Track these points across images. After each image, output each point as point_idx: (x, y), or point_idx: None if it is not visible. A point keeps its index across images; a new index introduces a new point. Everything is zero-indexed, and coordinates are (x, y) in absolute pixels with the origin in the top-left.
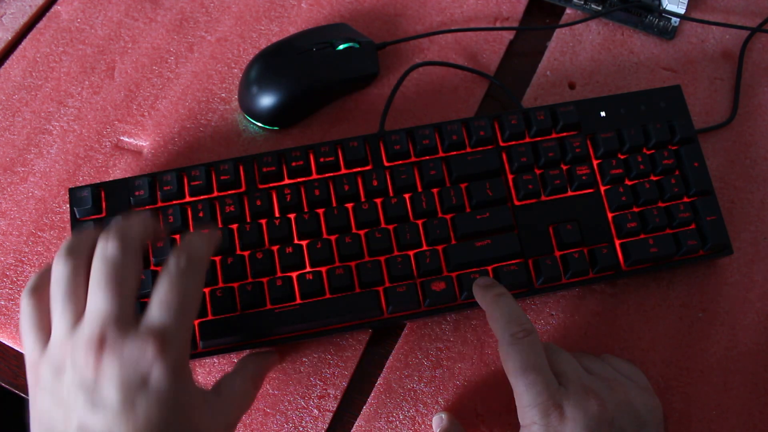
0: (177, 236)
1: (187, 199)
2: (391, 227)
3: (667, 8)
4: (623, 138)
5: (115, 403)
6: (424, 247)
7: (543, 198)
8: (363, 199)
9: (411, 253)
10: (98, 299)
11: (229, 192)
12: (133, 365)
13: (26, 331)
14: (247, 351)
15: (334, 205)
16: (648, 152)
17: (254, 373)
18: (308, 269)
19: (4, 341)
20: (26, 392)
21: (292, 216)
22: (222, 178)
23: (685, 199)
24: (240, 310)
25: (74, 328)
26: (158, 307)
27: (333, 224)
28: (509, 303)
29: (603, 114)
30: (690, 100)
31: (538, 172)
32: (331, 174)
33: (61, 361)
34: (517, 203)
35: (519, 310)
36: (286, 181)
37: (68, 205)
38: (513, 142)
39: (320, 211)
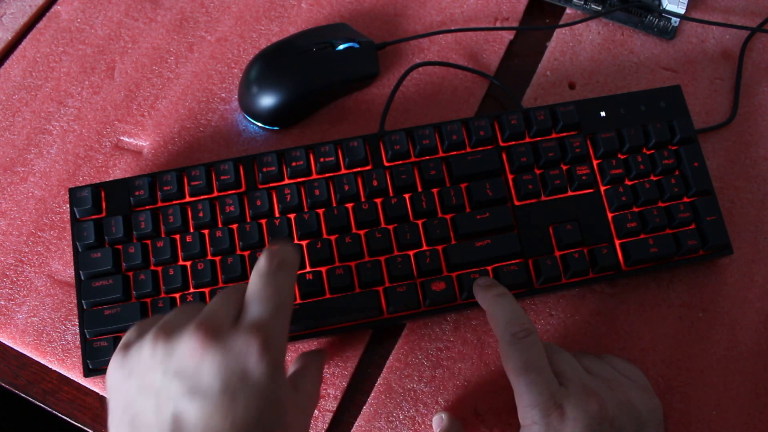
0: (177, 236)
1: (187, 199)
2: (391, 227)
3: (667, 8)
4: (623, 138)
5: (216, 392)
6: (424, 247)
7: (543, 198)
8: (363, 199)
9: (411, 253)
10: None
11: (229, 192)
12: (237, 358)
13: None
14: None
15: (334, 205)
16: (648, 152)
17: (318, 372)
18: (308, 269)
19: (4, 341)
20: (26, 392)
21: (292, 216)
22: (222, 178)
23: (685, 199)
24: None
25: (178, 320)
26: (258, 304)
27: (333, 224)
28: (510, 303)
29: (603, 114)
30: (690, 100)
31: (538, 172)
32: (331, 174)
33: (152, 358)
34: (517, 203)
35: (519, 309)
36: (286, 181)
37: (68, 205)
38: (513, 142)
39: (320, 211)
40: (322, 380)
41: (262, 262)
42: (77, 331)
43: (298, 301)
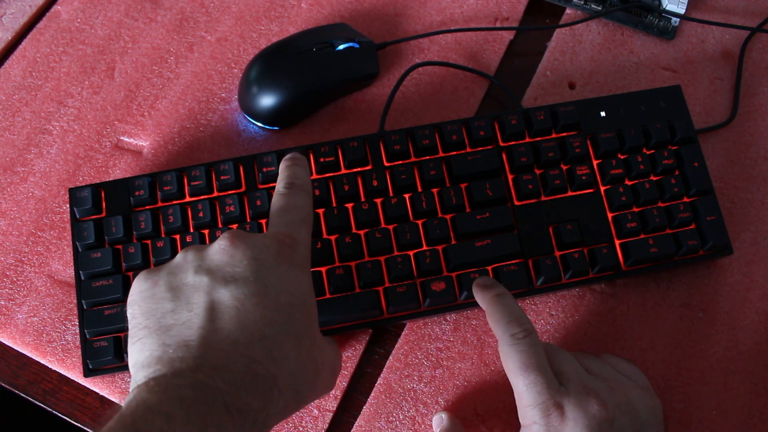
0: (177, 236)
1: (187, 199)
2: (391, 227)
3: (667, 8)
4: (623, 138)
5: (249, 276)
6: (424, 247)
7: (543, 198)
8: (363, 199)
9: (411, 253)
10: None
11: (229, 192)
12: (267, 249)
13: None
14: None
15: (334, 205)
16: (648, 152)
17: (338, 347)
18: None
19: (4, 341)
20: (26, 392)
21: None
22: (222, 178)
23: (685, 199)
24: None
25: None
26: (280, 216)
27: (333, 224)
28: (509, 303)
29: (603, 114)
30: (690, 100)
31: (538, 172)
32: (331, 174)
33: (184, 261)
34: (517, 203)
35: (519, 310)
36: None
37: (68, 205)
38: (513, 142)
39: (320, 211)
40: (341, 357)
41: (280, 184)
42: (77, 331)
43: None
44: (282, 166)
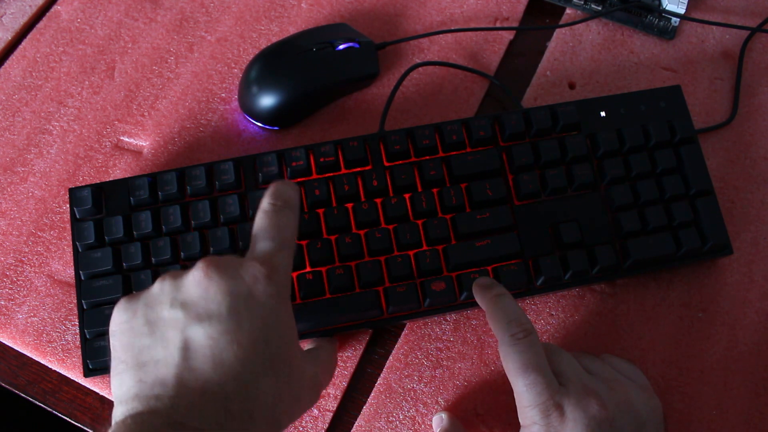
0: (177, 236)
1: (187, 199)
2: (391, 227)
3: (667, 8)
4: (623, 138)
5: (223, 314)
6: (424, 247)
7: (543, 198)
8: (363, 199)
9: (411, 253)
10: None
11: (229, 192)
12: (243, 282)
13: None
14: None
15: (334, 205)
16: (648, 152)
17: (332, 347)
18: (308, 269)
19: (4, 341)
20: (26, 392)
21: None
22: (222, 178)
23: (685, 199)
24: None
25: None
26: (263, 240)
27: (333, 224)
28: (509, 303)
29: (603, 114)
30: (690, 100)
31: (538, 172)
32: (331, 174)
33: (160, 292)
34: (517, 203)
35: (519, 310)
36: None
37: (68, 205)
38: (513, 142)
39: (320, 211)
40: (336, 360)
41: (265, 201)
42: (77, 331)
43: (298, 301)
44: (270, 185)
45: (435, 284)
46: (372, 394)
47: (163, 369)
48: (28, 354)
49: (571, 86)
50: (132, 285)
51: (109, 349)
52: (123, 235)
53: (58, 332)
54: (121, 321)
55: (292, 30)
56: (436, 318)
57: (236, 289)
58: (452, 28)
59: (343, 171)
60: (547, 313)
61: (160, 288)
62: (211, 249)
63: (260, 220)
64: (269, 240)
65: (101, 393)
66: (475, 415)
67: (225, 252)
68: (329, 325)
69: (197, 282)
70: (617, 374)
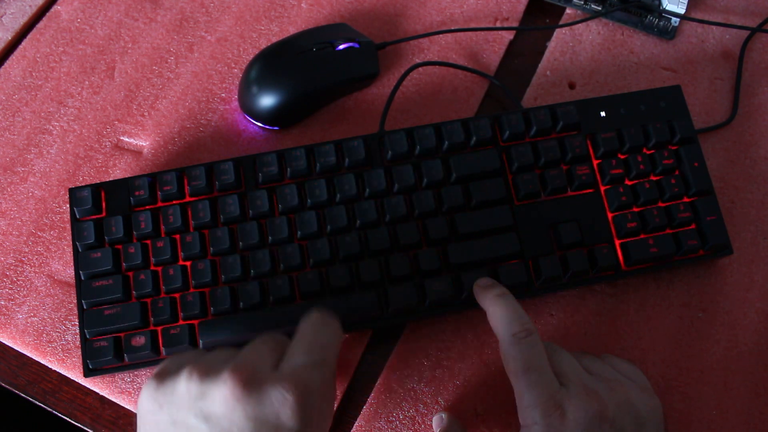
0: (177, 236)
1: (187, 199)
2: (391, 227)
3: (667, 8)
4: (623, 138)
5: None
6: (424, 247)
7: (543, 198)
8: (363, 199)
9: (411, 253)
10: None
11: (229, 192)
12: (270, 410)
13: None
14: None
15: (334, 205)
16: (648, 152)
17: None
18: (308, 269)
19: (4, 341)
20: (26, 392)
21: (292, 216)
22: (222, 178)
23: (685, 199)
24: (240, 310)
25: (216, 360)
26: (299, 352)
27: (333, 224)
28: (510, 303)
29: (603, 114)
30: (690, 100)
31: (538, 172)
32: (331, 174)
33: (187, 394)
34: (517, 203)
35: (520, 309)
36: (286, 182)
37: (68, 205)
38: (513, 142)
39: (320, 211)
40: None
41: (314, 314)
42: (77, 331)
43: (298, 301)
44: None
45: (435, 284)
46: (372, 394)
47: None
48: (28, 354)
49: (571, 86)
50: (132, 285)
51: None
52: (123, 235)
53: (58, 332)
54: (146, 410)
55: (292, 30)
56: (436, 318)
57: (262, 416)
58: (452, 28)
59: (343, 171)
60: (547, 313)
61: (187, 389)
62: (211, 249)
63: (305, 330)
64: (309, 355)
65: (101, 393)
66: (475, 415)
67: (225, 252)
68: None
69: (223, 399)
70: (617, 374)
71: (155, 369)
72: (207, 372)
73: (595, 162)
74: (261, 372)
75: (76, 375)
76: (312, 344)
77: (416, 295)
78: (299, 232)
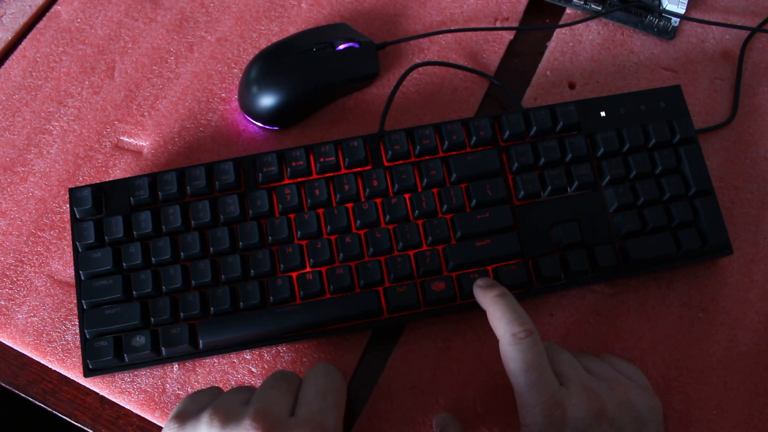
0: (177, 236)
1: (187, 199)
2: (391, 227)
3: (667, 8)
4: (623, 138)
5: None
6: (424, 247)
7: (543, 198)
8: (363, 199)
9: (411, 253)
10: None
11: (229, 192)
12: None
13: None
14: (246, 351)
15: (334, 205)
16: (648, 152)
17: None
18: (308, 269)
19: (4, 341)
20: (26, 392)
21: (292, 216)
22: (222, 178)
23: (685, 199)
24: (240, 310)
25: (235, 402)
26: (314, 399)
27: (333, 224)
28: (510, 303)
29: (603, 114)
30: (690, 100)
31: (538, 172)
32: (331, 174)
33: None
34: (517, 203)
35: (520, 309)
36: (286, 182)
37: (68, 205)
38: (513, 142)
39: (320, 211)
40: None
41: (321, 364)
42: (77, 331)
43: (298, 301)
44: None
45: (435, 284)
46: (372, 394)
47: None
48: (28, 354)
49: (571, 86)
50: (132, 285)
51: None
52: (123, 235)
53: (58, 332)
54: None
55: (292, 30)
56: (436, 318)
57: None
58: (452, 28)
59: (343, 171)
60: (547, 313)
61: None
62: (211, 249)
63: (315, 375)
64: (321, 399)
65: (101, 393)
66: (475, 415)
67: (225, 252)
68: (329, 325)
69: None
70: (618, 374)
71: (173, 410)
72: (228, 418)
73: (595, 162)
74: (280, 418)
75: (76, 375)
76: (325, 388)
77: (416, 295)
78: (299, 232)
